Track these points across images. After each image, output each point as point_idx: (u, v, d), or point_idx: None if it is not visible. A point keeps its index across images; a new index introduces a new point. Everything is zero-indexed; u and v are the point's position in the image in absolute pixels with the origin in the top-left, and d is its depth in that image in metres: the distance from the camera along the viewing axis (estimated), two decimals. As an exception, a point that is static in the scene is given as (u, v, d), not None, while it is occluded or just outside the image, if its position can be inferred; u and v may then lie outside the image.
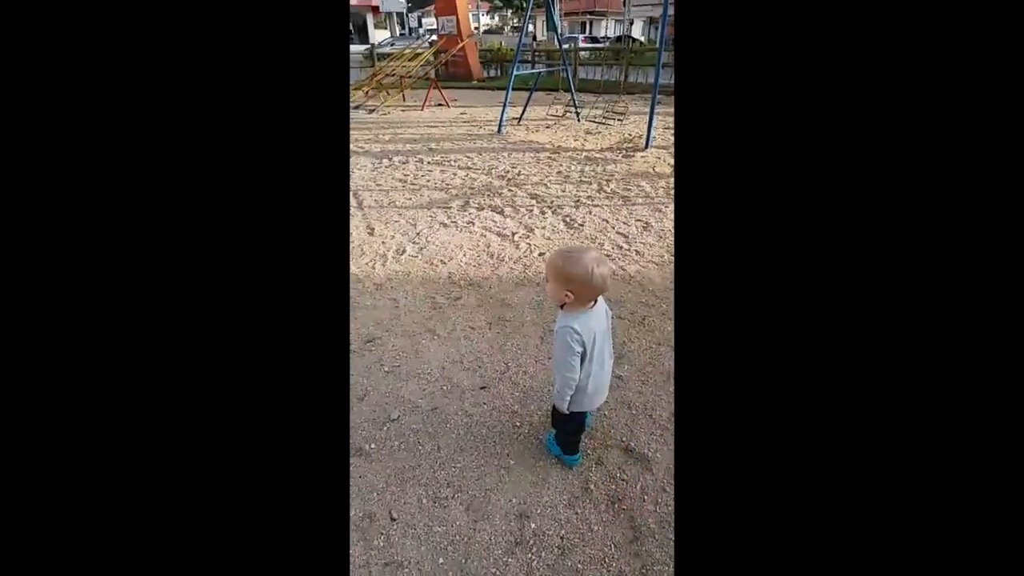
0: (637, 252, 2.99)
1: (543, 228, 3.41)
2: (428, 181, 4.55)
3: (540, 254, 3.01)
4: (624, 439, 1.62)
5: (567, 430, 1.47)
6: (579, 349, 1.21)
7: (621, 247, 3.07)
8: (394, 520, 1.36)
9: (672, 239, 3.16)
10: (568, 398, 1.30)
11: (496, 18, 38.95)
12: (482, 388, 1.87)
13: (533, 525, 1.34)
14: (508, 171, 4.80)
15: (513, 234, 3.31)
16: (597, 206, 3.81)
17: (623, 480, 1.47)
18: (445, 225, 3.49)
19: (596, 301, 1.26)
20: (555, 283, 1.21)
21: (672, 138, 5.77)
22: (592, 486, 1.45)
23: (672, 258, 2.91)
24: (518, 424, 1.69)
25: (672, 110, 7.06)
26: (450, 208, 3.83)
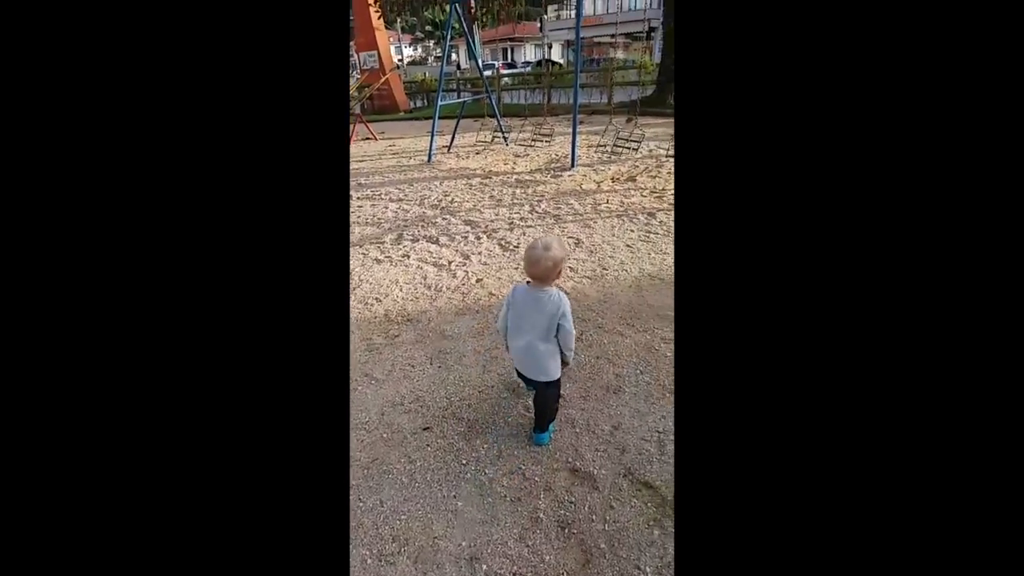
0: (571, 268, 3.07)
1: (479, 254, 3.42)
2: (359, 217, 4.46)
3: (477, 280, 3.01)
4: (570, 459, 1.62)
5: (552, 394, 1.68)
6: (504, 307, 1.62)
7: (555, 265, 3.13)
8: (336, 589, 1.27)
9: (602, 254, 3.28)
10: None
11: (419, 49, 39.54)
12: (425, 429, 1.81)
13: (484, 567, 1.30)
14: (441, 199, 4.80)
15: (450, 263, 3.30)
16: (530, 227, 3.89)
17: (571, 503, 1.47)
18: (379, 261, 3.42)
19: (530, 282, 1.54)
20: None
21: (595, 156, 6.04)
22: (541, 514, 1.44)
23: (603, 272, 3.01)
24: (464, 462, 1.65)
25: (591, 129, 7.40)
26: (383, 243, 3.77)
